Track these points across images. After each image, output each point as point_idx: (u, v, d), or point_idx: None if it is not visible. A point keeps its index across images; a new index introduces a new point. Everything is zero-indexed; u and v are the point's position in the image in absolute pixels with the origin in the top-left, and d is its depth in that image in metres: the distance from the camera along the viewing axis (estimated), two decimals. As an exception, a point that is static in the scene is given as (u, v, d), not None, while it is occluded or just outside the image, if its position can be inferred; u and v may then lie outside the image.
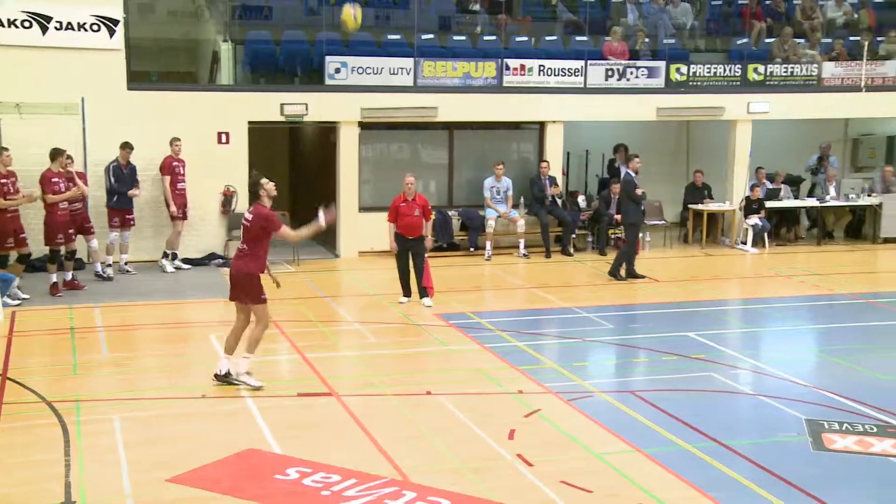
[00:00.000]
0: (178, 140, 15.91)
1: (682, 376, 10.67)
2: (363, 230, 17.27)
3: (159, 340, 12.26)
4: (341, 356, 11.68)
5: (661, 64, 18.73)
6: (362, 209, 17.56)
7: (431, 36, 18.66)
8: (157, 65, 18.26)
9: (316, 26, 17.50)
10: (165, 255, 16.03)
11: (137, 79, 16.36)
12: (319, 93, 17.05)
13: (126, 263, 15.60)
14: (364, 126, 17.51)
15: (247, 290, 9.83)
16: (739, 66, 19.13)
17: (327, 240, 17.84)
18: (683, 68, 18.84)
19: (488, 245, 17.63)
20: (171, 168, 15.93)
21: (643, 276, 15.68)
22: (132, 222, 15.64)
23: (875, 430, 9.01)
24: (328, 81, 17.13)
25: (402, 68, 17.48)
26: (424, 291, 13.69)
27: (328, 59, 17.09)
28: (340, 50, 17.27)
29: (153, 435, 8.73)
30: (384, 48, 17.89)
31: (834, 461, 8.37)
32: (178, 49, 18.75)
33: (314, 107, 16.97)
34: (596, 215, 18.26)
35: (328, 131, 17.85)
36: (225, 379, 9.95)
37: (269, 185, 9.94)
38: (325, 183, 17.91)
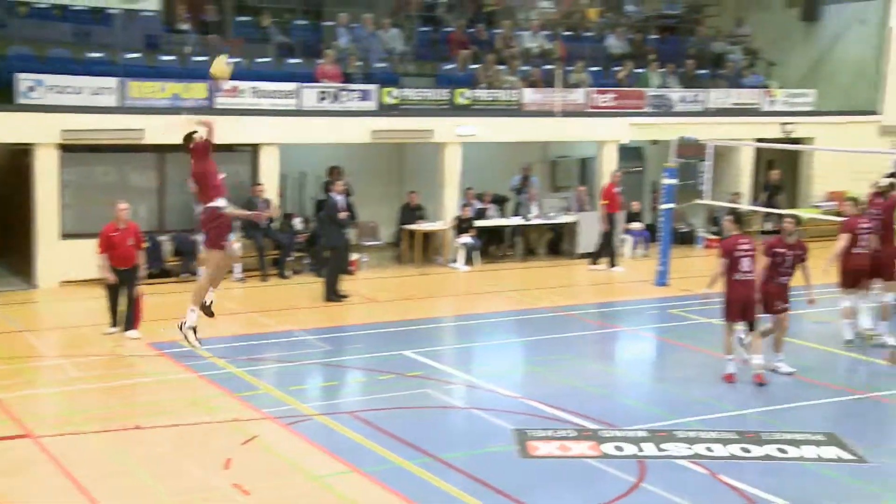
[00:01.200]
0: None
1: (399, 394, 10.87)
2: (66, 258, 16.28)
3: None
4: (39, 394, 10.93)
5: (374, 87, 19.09)
6: (65, 236, 16.57)
7: (138, 55, 17.96)
8: None
9: (5, 39, 16.34)
10: None
11: None
12: (9, 112, 15.94)
13: None
14: (66, 149, 16.55)
15: None
16: (447, 90, 19.87)
17: (22, 269, 16.66)
18: (395, 92, 19.31)
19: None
20: None
21: (346, 297, 15.83)
22: None
23: (574, 434, 9.60)
24: (21, 100, 16.05)
25: (105, 88, 16.71)
26: (131, 323, 13.03)
27: (20, 76, 16.01)
28: (35, 67, 16.22)
29: None
30: (86, 66, 17.02)
31: (538, 467, 8.83)
32: None
33: (3, 128, 15.83)
34: (312, 237, 18.28)
35: (21, 154, 16.70)
36: None
37: None
38: (19, 208, 16.73)
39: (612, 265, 18.81)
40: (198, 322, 9.22)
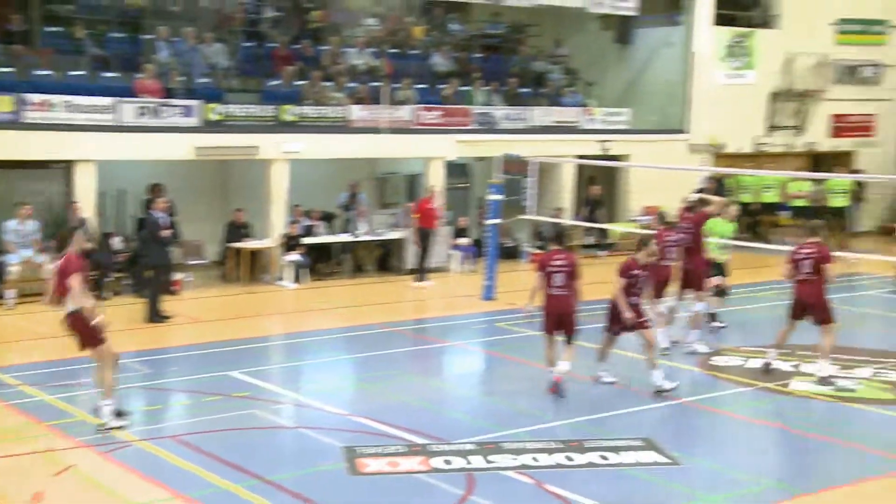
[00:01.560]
0: None
1: (224, 416, 10.61)
2: None
3: None
4: None
5: (197, 103, 18.64)
6: None
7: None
8: None
9: None
10: None
11: None
12: None
13: None
14: None
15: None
16: (273, 106, 19.63)
17: None
18: (219, 108, 18.92)
19: (11, 293, 16.30)
20: None
21: (169, 317, 15.40)
22: None
23: (403, 450, 9.62)
24: None
25: None
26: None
27: None
28: None
29: None
30: None
31: (367, 484, 8.79)
32: None
33: None
34: (134, 257, 17.64)
35: None
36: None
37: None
38: None
39: (420, 280, 18.97)
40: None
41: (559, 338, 11.57)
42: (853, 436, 10.47)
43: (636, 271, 11.54)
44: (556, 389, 11.32)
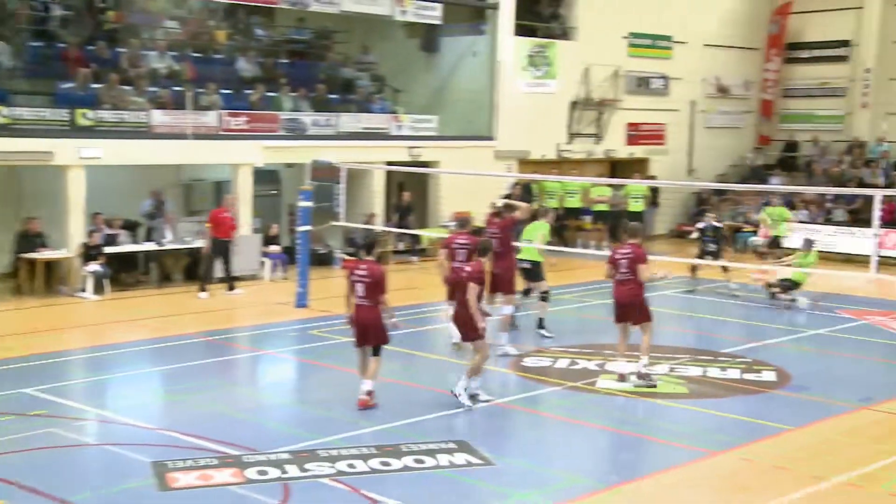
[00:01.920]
0: None
1: (19, 436, 10.00)
2: None
3: None
4: None
5: (-18, 105, 17.55)
6: None
7: None
8: None
9: None
10: None
11: None
12: None
13: None
14: None
15: None
16: (67, 110, 18.69)
17: None
18: (5, 111, 17.86)
19: None
20: None
21: None
22: None
23: (215, 462, 9.36)
24: None
25: None
26: None
27: None
28: None
29: None
30: None
31: (178, 499, 8.50)
32: None
33: None
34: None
35: None
36: None
37: None
38: None
39: (202, 290, 18.46)
40: None
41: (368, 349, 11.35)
42: (654, 430, 11.00)
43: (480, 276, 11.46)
44: (366, 406, 11.18)
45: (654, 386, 12.37)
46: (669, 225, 28.33)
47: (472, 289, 11.22)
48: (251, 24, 23.78)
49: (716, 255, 19.06)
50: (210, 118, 20.38)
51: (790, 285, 17.97)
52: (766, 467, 9.68)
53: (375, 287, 11.06)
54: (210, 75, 21.47)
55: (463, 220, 14.77)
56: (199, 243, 19.82)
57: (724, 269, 19.22)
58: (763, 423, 11.09)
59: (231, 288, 18.71)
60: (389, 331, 11.36)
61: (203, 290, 18.42)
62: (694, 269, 19.81)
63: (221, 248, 18.45)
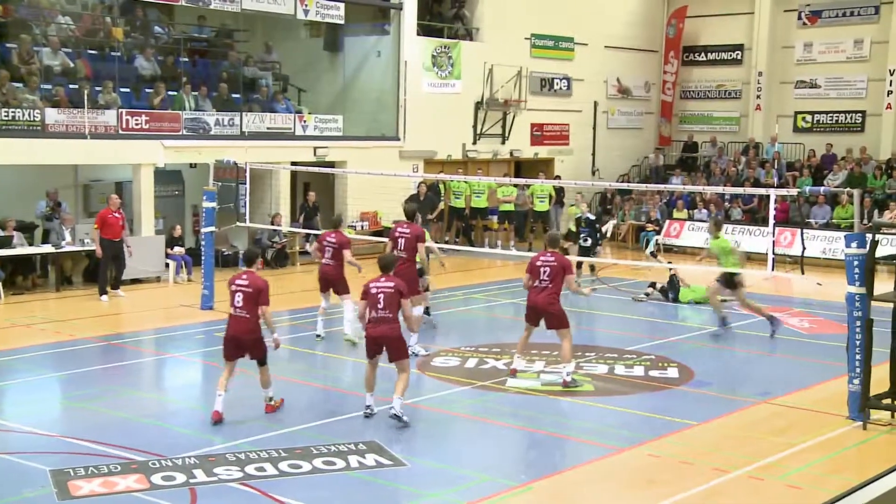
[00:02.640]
0: None
1: None
2: None
3: None
4: None
5: None
6: None
7: None
8: None
9: None
10: None
11: None
12: None
13: None
14: None
15: None
16: (-47, 108, 18.01)
17: None
18: None
19: None
20: None
21: None
22: None
23: (119, 468, 9.12)
24: None
25: None
26: None
27: None
28: None
29: None
30: None
31: (83, 508, 8.26)
32: None
33: None
34: None
35: None
36: None
37: None
38: None
39: (102, 293, 17.99)
40: None
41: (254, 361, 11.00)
42: (562, 427, 11.14)
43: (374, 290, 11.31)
44: (273, 410, 10.97)
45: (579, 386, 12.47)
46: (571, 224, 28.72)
47: (406, 304, 10.89)
48: (150, 22, 23.23)
49: (588, 252, 18.01)
50: (108, 117, 19.85)
51: (725, 282, 15.82)
52: (671, 462, 9.89)
53: (256, 298, 10.60)
54: (107, 73, 20.90)
55: (334, 221, 15.26)
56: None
57: (592, 268, 19.29)
58: (668, 418, 11.34)
59: (115, 287, 18.21)
60: (266, 347, 10.85)
61: (104, 293, 17.95)
62: (593, 267, 20.10)
63: (111, 249, 17.98)
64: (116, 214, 18.13)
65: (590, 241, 18.39)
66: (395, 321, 10.72)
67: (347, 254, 14.33)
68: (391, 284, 10.73)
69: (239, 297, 10.67)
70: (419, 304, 14.26)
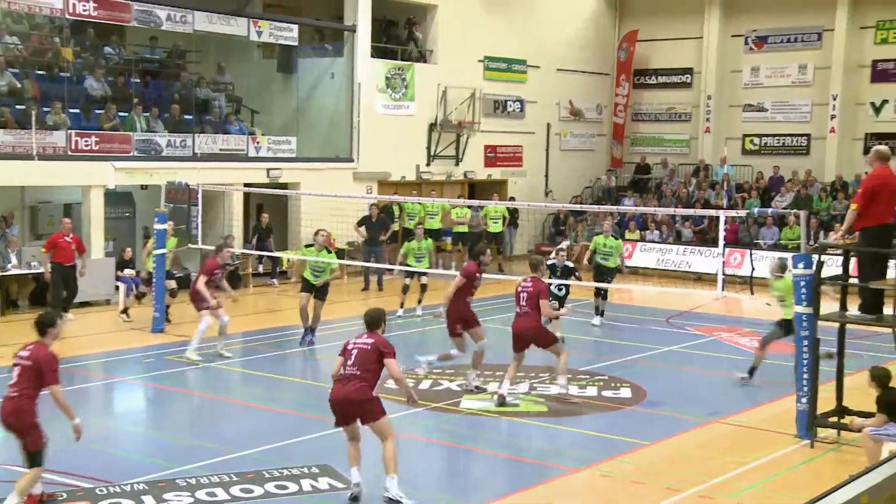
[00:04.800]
0: None
1: None
2: None
3: None
4: None
5: None
6: None
7: None
8: None
9: None
10: None
11: None
12: None
13: None
14: None
15: None
16: None
17: None
18: None
19: None
20: None
21: None
22: None
23: (64, 496, 8.96)
24: None
25: None
26: None
27: None
28: None
29: None
30: None
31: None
32: None
33: None
34: None
35: None
36: None
37: None
38: None
39: (63, 312, 17.74)
40: None
41: None
42: (516, 449, 11.16)
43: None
44: None
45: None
46: (529, 245, 28.85)
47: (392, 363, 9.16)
48: (100, 43, 23.01)
49: (563, 302, 16.46)
50: (57, 138, 19.60)
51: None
52: (624, 482, 9.93)
53: (36, 375, 8.66)
54: (57, 94, 20.65)
55: (219, 247, 15.90)
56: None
57: (604, 297, 18.84)
58: (621, 438, 11.39)
59: (64, 310, 17.93)
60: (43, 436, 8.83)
61: (64, 310, 17.64)
62: (605, 297, 19.98)
63: (63, 273, 17.70)
64: (68, 238, 17.82)
65: (563, 291, 16.68)
66: (364, 380, 9.02)
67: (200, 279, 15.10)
68: (370, 342, 9.18)
69: (16, 371, 8.74)
70: (480, 338, 13.48)
